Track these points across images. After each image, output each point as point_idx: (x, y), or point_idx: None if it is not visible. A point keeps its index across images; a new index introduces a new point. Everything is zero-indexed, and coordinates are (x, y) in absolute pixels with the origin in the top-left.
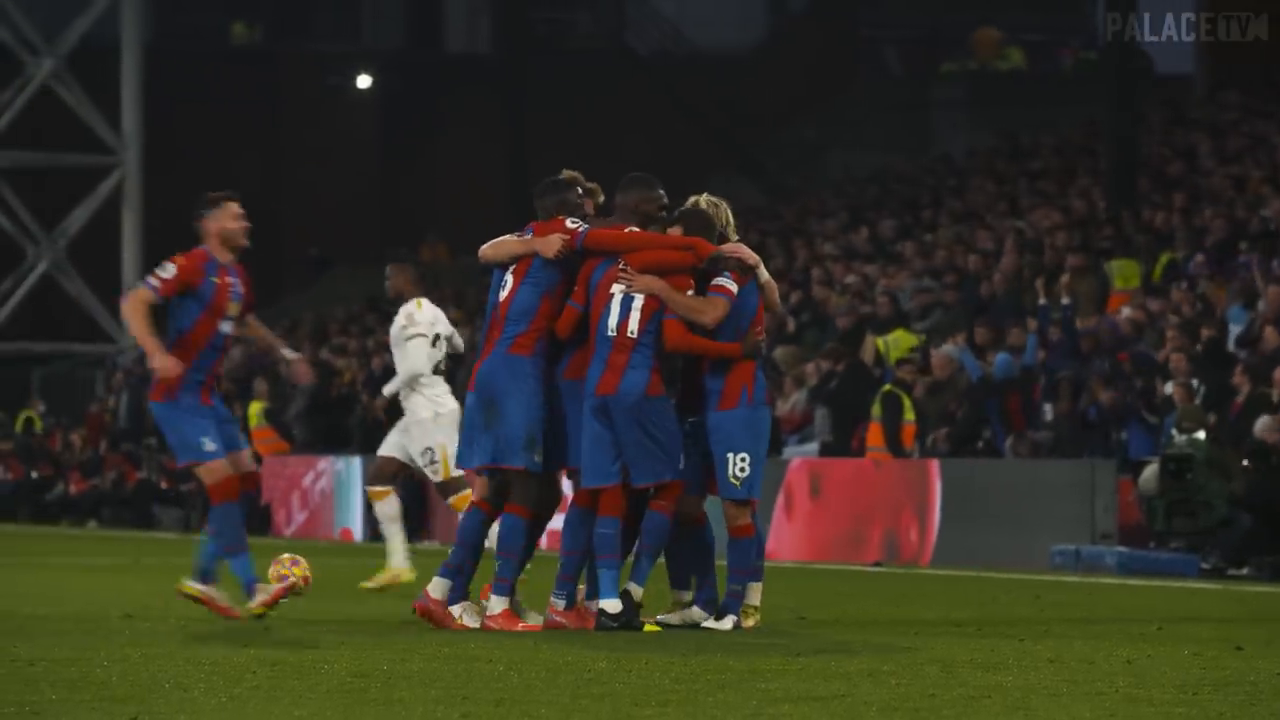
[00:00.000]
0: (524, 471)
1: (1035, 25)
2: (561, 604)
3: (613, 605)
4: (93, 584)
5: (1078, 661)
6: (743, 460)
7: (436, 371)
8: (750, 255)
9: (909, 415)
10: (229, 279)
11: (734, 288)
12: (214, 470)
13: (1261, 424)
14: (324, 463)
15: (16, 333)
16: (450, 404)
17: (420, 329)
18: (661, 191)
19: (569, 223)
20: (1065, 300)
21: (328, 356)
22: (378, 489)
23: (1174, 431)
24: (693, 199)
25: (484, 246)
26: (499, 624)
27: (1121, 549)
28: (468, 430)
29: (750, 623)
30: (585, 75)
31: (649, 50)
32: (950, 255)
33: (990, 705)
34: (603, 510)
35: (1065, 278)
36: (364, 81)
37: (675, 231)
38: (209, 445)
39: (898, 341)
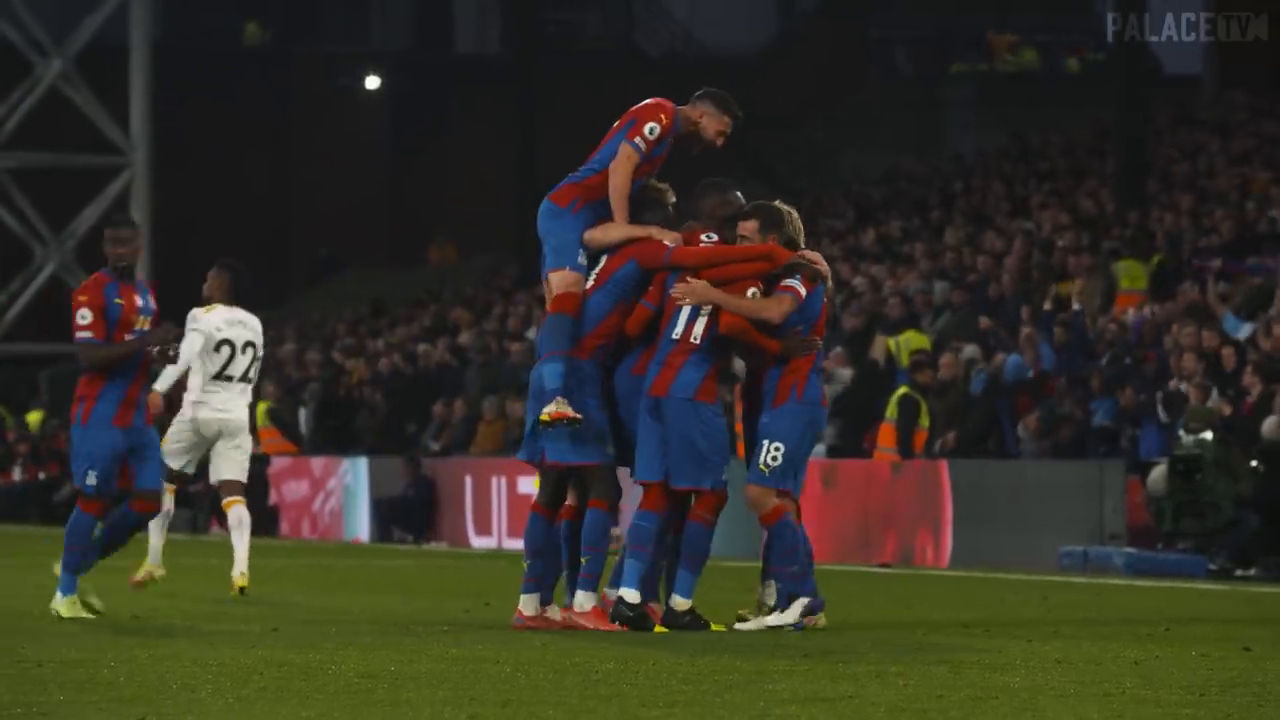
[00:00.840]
0: (596, 466)
1: (1044, 26)
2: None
3: (633, 595)
4: (100, 585)
5: (1085, 662)
6: (776, 449)
7: (222, 378)
8: (823, 264)
9: (924, 421)
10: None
11: (803, 290)
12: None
13: (1269, 424)
14: (332, 464)
15: (24, 334)
16: (206, 415)
17: (198, 326)
18: (737, 194)
19: (703, 237)
20: (1076, 305)
21: (337, 357)
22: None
23: (1181, 432)
24: (760, 204)
25: (592, 230)
26: (590, 622)
27: (1129, 550)
28: (530, 428)
29: (771, 620)
30: (595, 76)
31: (659, 51)
32: (959, 256)
33: (998, 706)
34: (643, 505)
35: (1077, 281)
36: (373, 82)
37: (748, 225)
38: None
39: (909, 342)
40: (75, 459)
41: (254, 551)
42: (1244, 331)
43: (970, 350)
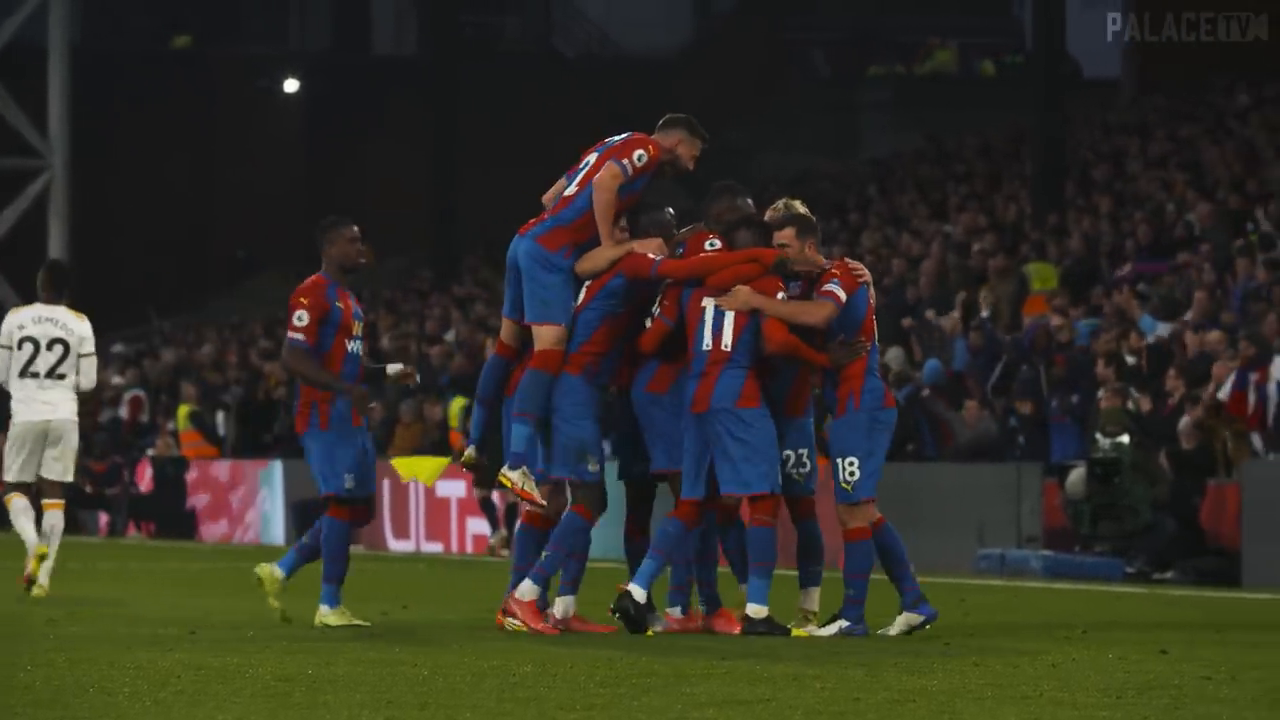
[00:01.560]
0: (575, 482)
1: (962, 28)
2: (676, 611)
3: (640, 594)
4: (16, 588)
5: (1002, 665)
6: (850, 464)
7: (27, 375)
8: (864, 271)
9: None
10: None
11: (843, 295)
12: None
13: (1183, 424)
14: (251, 467)
15: None
16: (25, 415)
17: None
18: (747, 199)
19: (706, 243)
20: (984, 310)
21: (255, 360)
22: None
23: (1098, 435)
24: (784, 201)
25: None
26: (523, 614)
27: (1046, 553)
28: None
29: (811, 629)
30: (513, 79)
31: (575, 53)
32: (876, 259)
33: (915, 709)
34: (676, 512)
35: (988, 284)
36: (291, 85)
37: (786, 233)
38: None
39: None
40: (323, 463)
41: (172, 555)
42: (1159, 330)
43: (893, 353)
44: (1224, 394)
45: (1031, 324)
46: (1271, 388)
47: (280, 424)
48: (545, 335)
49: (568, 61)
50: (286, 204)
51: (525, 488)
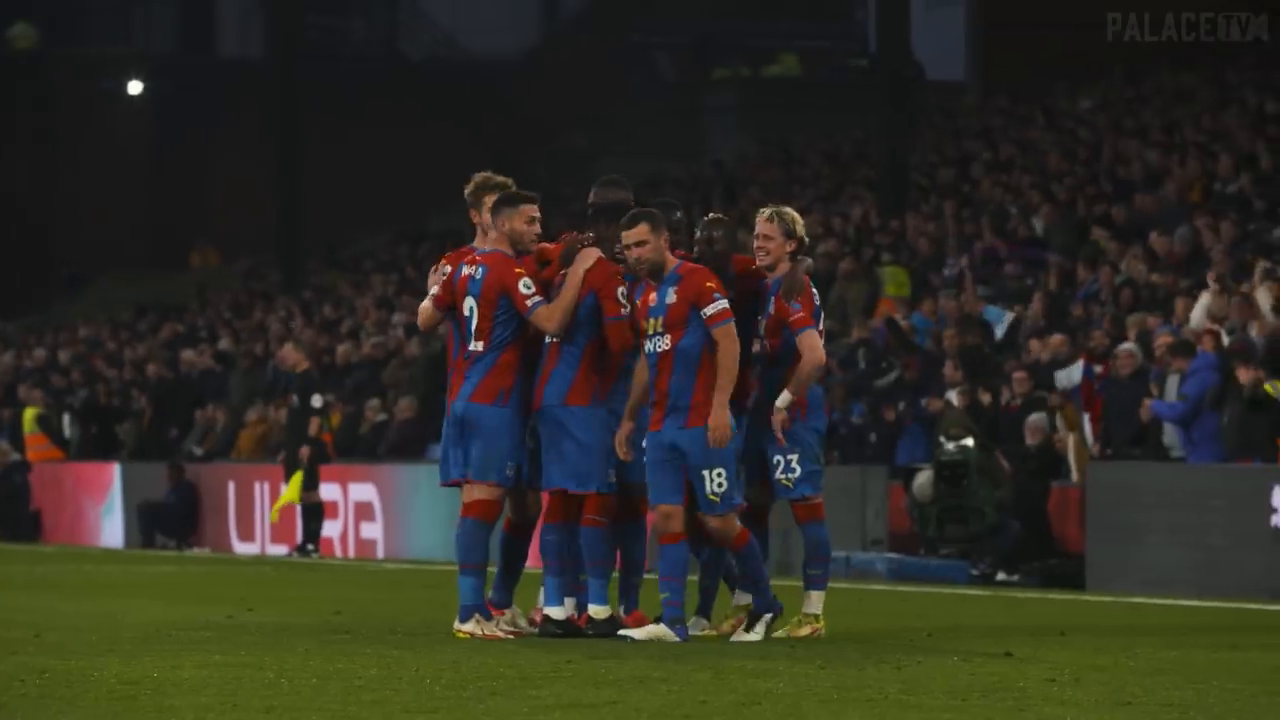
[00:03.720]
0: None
1: (807, 32)
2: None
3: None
4: None
5: (848, 668)
6: (720, 475)
7: None
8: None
9: None
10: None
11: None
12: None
13: (1032, 420)
14: (94, 470)
15: None
16: None
17: None
18: (678, 214)
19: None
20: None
21: (98, 363)
22: None
23: (942, 438)
24: (773, 209)
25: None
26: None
27: (892, 555)
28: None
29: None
30: (359, 81)
31: (422, 56)
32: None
33: (761, 711)
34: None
35: (837, 286)
36: (135, 87)
37: (641, 229)
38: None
39: None
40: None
41: (16, 557)
42: (1006, 320)
43: None
44: (1070, 384)
45: (880, 325)
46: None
47: (123, 426)
48: (485, 491)
49: (413, 64)
50: (130, 207)
51: (487, 632)
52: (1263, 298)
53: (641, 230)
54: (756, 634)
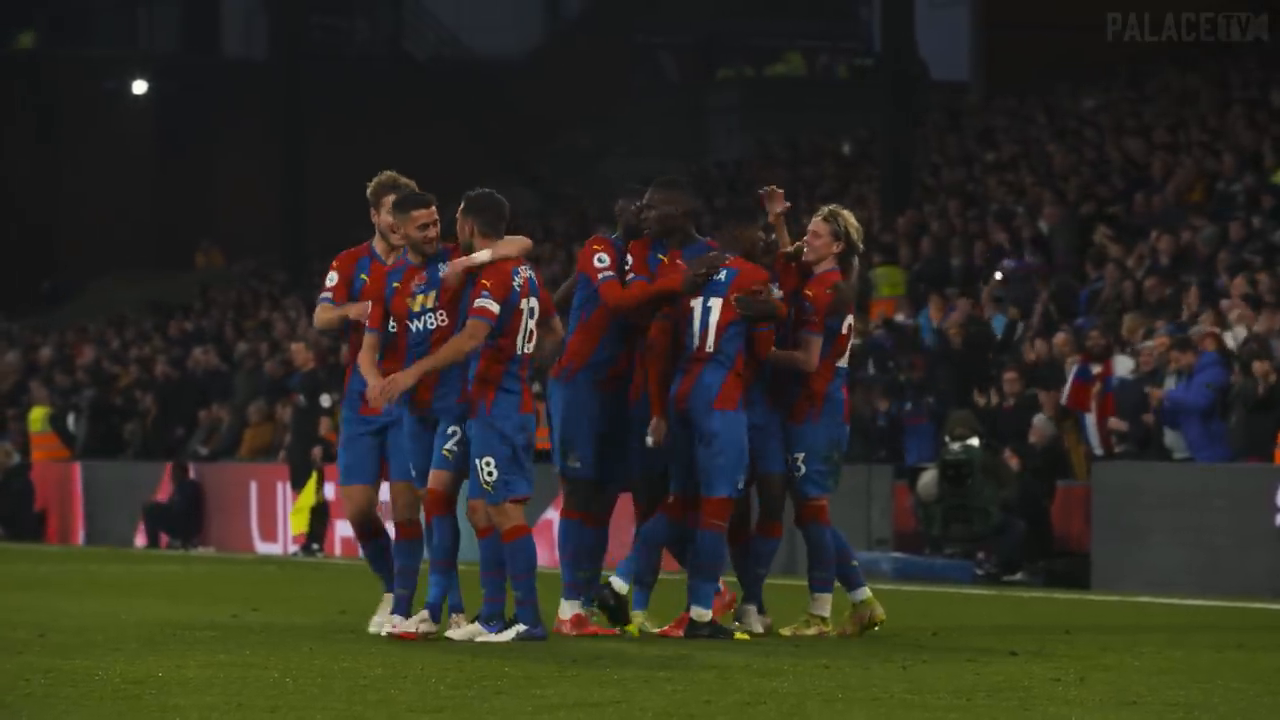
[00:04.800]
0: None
1: (811, 31)
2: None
3: (621, 585)
4: None
5: (853, 667)
6: (489, 464)
7: None
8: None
9: None
10: None
11: (494, 306)
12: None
13: (1038, 421)
14: (100, 469)
15: None
16: None
17: None
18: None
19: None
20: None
21: (105, 362)
22: None
23: (947, 438)
24: (830, 208)
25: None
26: (568, 629)
27: (897, 555)
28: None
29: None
30: (363, 81)
31: (426, 56)
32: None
33: (766, 711)
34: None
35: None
36: (139, 87)
37: (823, 226)
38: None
39: None
40: (567, 429)
41: (22, 557)
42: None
43: None
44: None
45: (880, 326)
46: (1114, 382)
47: (132, 427)
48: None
49: (417, 64)
50: (135, 206)
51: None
52: None
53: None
54: (505, 635)
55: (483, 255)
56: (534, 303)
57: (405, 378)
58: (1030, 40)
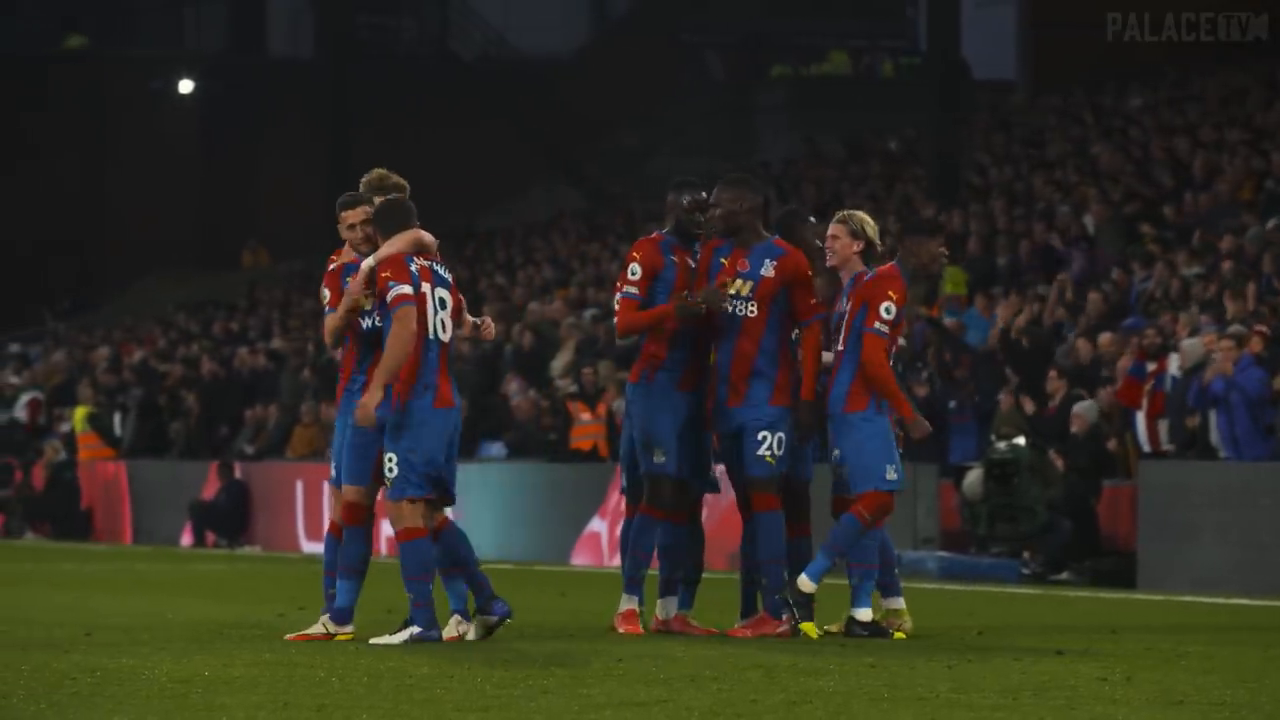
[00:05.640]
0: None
1: (857, 30)
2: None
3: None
4: None
5: (899, 666)
6: (390, 460)
7: None
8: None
9: None
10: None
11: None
12: None
13: (1079, 407)
14: (148, 468)
15: None
16: None
17: None
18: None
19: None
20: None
21: (151, 361)
22: None
23: (993, 437)
24: (843, 212)
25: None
26: (619, 624)
27: (943, 554)
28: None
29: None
30: (409, 81)
31: (472, 56)
32: None
33: (812, 710)
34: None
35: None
36: (185, 86)
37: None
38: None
39: None
40: (650, 426)
41: (67, 555)
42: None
43: None
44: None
45: (919, 325)
46: (1168, 380)
47: (177, 426)
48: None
49: (464, 64)
50: (181, 206)
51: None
52: None
53: None
54: (399, 637)
55: (367, 262)
56: (443, 293)
57: (371, 399)
58: (1076, 39)
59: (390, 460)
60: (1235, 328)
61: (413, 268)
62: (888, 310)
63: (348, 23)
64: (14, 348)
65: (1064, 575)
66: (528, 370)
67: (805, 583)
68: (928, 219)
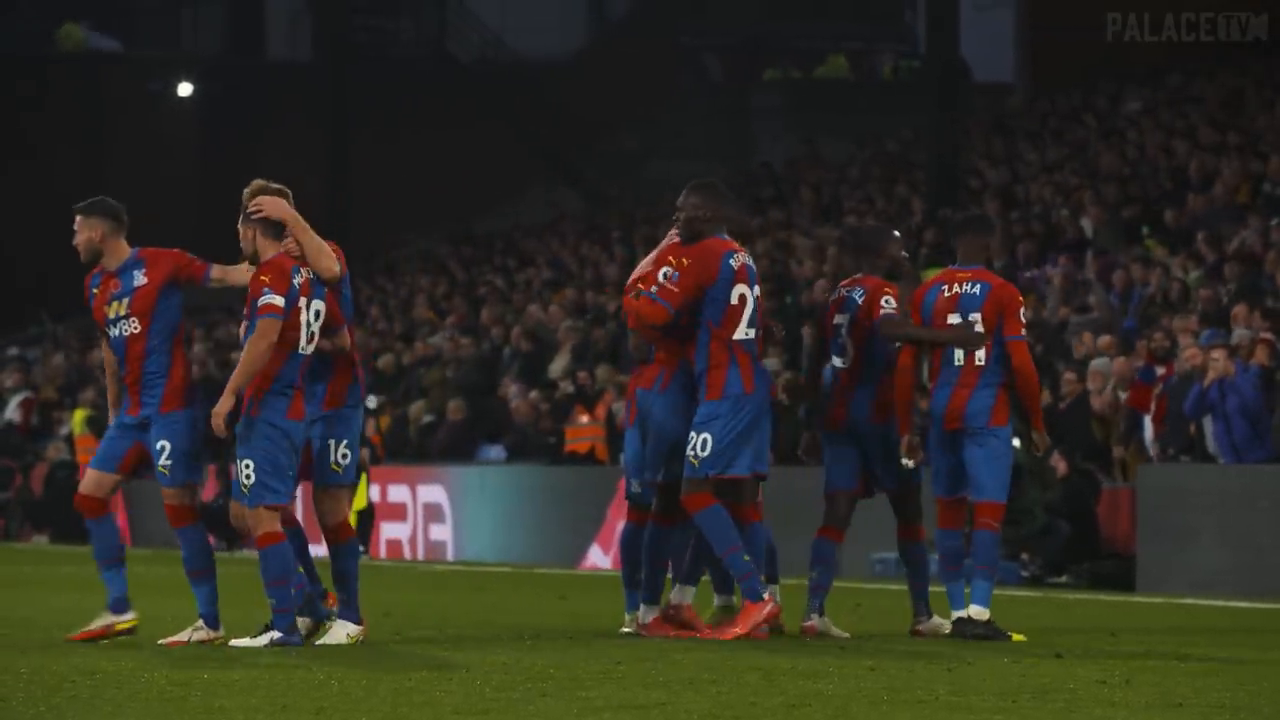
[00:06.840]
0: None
1: (856, 33)
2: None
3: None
4: None
5: (898, 669)
6: (248, 467)
7: None
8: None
9: None
10: None
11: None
12: None
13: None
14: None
15: None
16: None
17: None
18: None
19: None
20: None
21: None
22: None
23: None
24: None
25: None
26: (649, 631)
27: None
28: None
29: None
30: (407, 83)
31: (470, 58)
32: (771, 263)
33: (811, 713)
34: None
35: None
36: (184, 88)
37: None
38: None
39: None
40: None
41: (68, 559)
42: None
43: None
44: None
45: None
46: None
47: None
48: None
49: (462, 66)
50: (179, 208)
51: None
52: None
53: None
54: (260, 641)
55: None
56: (319, 305)
57: (223, 406)
58: (1075, 41)
59: (247, 467)
60: (1240, 333)
61: (296, 280)
62: (1023, 315)
63: (345, 25)
64: (13, 350)
65: (1063, 578)
66: (526, 372)
67: (979, 611)
68: (982, 215)
